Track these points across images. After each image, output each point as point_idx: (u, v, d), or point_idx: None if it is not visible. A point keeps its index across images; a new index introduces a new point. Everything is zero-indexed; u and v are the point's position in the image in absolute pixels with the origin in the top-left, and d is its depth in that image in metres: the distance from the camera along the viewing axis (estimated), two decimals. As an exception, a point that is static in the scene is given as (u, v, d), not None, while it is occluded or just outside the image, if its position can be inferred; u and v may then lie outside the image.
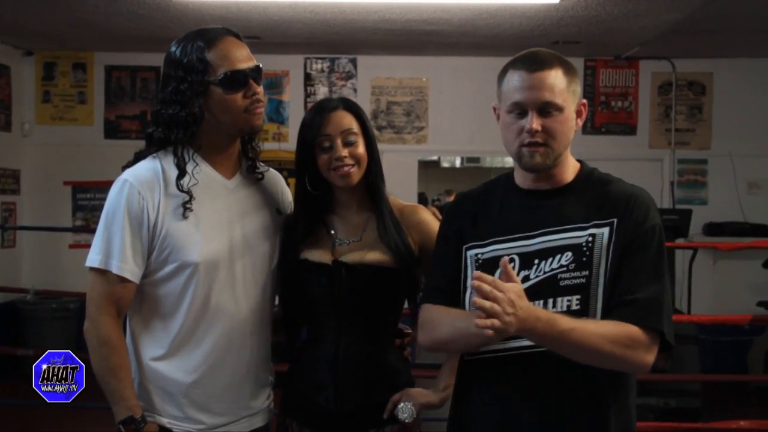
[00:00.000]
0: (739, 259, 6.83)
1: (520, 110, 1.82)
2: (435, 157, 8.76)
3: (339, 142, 2.11)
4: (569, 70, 1.85)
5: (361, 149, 2.14)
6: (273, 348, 2.25)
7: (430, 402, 2.11)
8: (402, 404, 2.11)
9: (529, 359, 1.80)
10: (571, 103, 1.85)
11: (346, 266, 2.11)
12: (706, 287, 6.91)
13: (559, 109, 1.81)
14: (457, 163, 9.34)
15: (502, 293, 1.66)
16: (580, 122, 1.89)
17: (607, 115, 7.27)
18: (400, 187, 6.72)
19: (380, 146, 2.23)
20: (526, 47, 1.93)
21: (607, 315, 1.78)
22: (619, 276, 1.78)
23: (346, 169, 2.11)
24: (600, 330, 1.73)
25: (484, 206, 1.95)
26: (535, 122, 1.79)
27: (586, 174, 1.92)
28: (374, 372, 2.14)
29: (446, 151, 7.94)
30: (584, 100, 1.90)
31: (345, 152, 2.10)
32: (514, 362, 1.82)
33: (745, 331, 6.44)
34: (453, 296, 1.93)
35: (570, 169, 1.91)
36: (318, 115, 2.13)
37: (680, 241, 6.20)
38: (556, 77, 1.81)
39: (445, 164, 9.42)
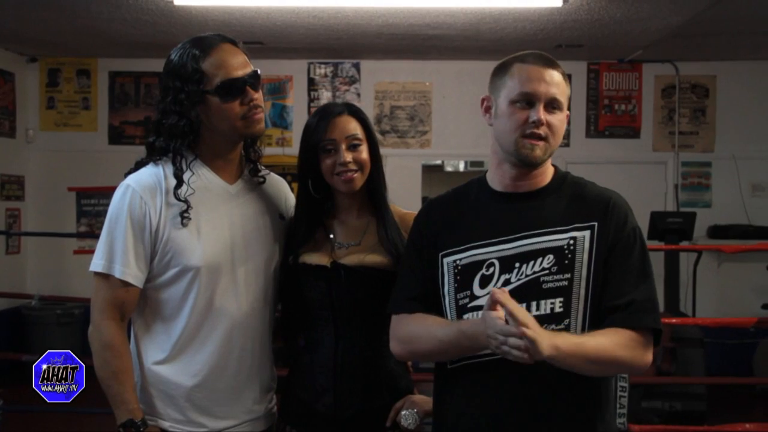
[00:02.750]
0: (744, 261, 6.84)
1: (527, 101, 1.83)
2: (439, 161, 8.73)
3: (343, 147, 2.11)
4: (565, 77, 1.90)
5: (364, 155, 2.14)
6: (275, 354, 2.25)
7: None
8: (405, 411, 2.09)
9: (514, 364, 1.76)
10: (566, 107, 1.89)
11: (345, 268, 2.11)
12: (710, 290, 6.91)
13: (561, 108, 1.86)
14: (461, 167, 9.31)
15: (527, 318, 1.65)
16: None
17: (610, 119, 7.26)
18: (404, 191, 6.78)
19: (384, 150, 2.23)
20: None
21: (596, 318, 1.78)
22: (606, 280, 1.79)
23: (349, 174, 2.11)
24: (609, 339, 1.73)
25: (458, 211, 1.94)
26: (543, 113, 1.81)
27: (560, 177, 1.94)
28: (374, 376, 2.13)
29: (450, 155, 7.94)
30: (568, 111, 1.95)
31: (349, 157, 2.10)
32: (498, 368, 1.80)
33: (750, 334, 6.44)
34: (428, 305, 1.91)
35: (547, 172, 1.93)
36: (323, 119, 2.13)
37: (684, 244, 6.20)
38: (561, 78, 1.87)
39: (449, 168, 9.39)
